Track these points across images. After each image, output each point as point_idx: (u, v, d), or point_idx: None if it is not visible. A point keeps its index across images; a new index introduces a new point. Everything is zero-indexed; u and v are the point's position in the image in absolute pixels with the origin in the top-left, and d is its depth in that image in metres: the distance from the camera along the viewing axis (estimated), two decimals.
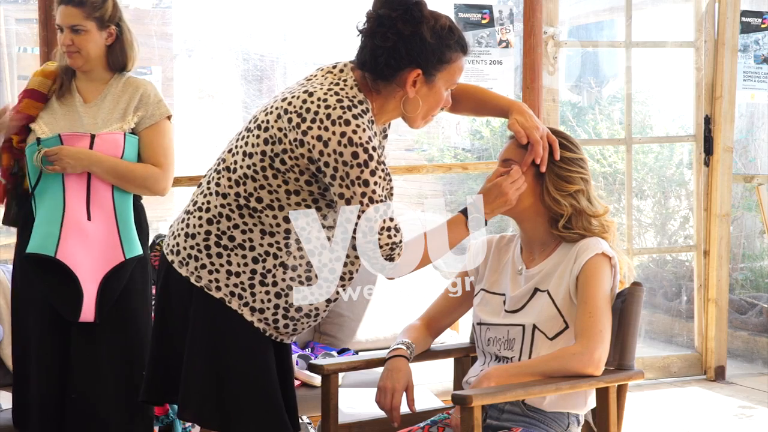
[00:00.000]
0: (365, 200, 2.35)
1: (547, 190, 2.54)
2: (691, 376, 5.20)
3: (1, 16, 5.66)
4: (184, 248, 2.48)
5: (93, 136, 3.07)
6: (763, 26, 5.18)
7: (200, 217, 2.48)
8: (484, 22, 4.68)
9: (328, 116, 2.34)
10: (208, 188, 2.50)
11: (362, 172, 2.33)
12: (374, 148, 2.35)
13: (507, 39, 4.71)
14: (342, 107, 2.36)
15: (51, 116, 3.13)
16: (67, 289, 3.06)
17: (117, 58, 3.17)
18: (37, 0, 3.99)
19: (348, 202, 2.36)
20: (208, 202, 2.48)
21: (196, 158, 6.46)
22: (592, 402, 2.55)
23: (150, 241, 3.72)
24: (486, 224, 2.52)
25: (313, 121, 2.35)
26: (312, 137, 2.34)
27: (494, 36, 4.68)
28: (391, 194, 2.51)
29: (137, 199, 3.26)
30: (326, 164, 2.35)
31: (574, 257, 2.52)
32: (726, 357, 5.21)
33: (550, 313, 2.52)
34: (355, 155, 2.32)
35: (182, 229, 2.51)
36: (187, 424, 3.65)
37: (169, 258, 2.52)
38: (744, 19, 5.12)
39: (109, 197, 3.13)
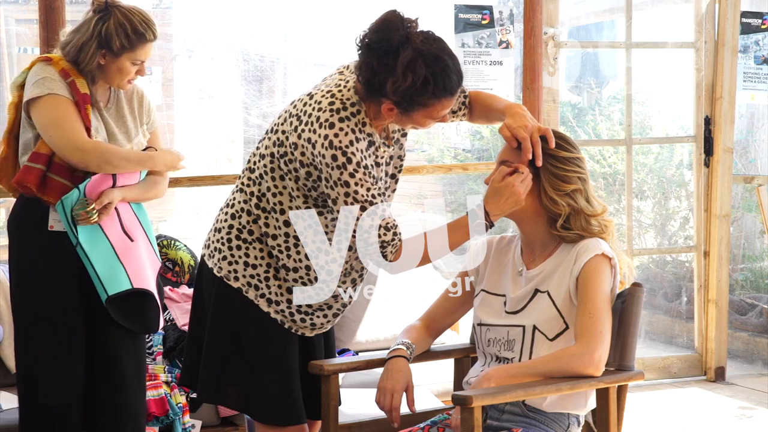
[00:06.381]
0: (349, 200, 2.43)
1: (545, 190, 2.54)
2: (691, 376, 5.20)
3: (1, 17, 5.66)
4: (213, 242, 2.66)
5: (114, 176, 3.07)
6: (763, 27, 5.18)
7: (226, 212, 2.64)
8: (484, 22, 4.68)
9: (318, 119, 2.44)
10: (236, 186, 2.66)
11: (342, 174, 2.42)
12: (354, 153, 2.41)
13: (507, 40, 4.71)
14: (331, 110, 2.44)
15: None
16: (147, 309, 3.13)
17: None
18: (37, 0, 3.99)
19: (334, 202, 2.46)
20: (234, 199, 2.64)
21: (196, 158, 6.46)
22: (592, 402, 2.55)
23: None
24: (493, 226, 2.53)
25: (306, 123, 2.45)
26: (304, 140, 2.45)
27: (494, 37, 4.68)
28: (385, 194, 2.56)
29: None
30: (316, 166, 2.46)
31: (574, 258, 2.52)
32: (726, 358, 5.20)
33: (550, 314, 2.52)
34: (334, 158, 2.41)
35: (213, 224, 2.69)
36: (188, 425, 3.65)
37: (201, 251, 2.71)
38: (744, 19, 5.12)
39: (133, 214, 3.18)
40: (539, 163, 2.52)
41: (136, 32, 3.02)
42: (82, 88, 3.05)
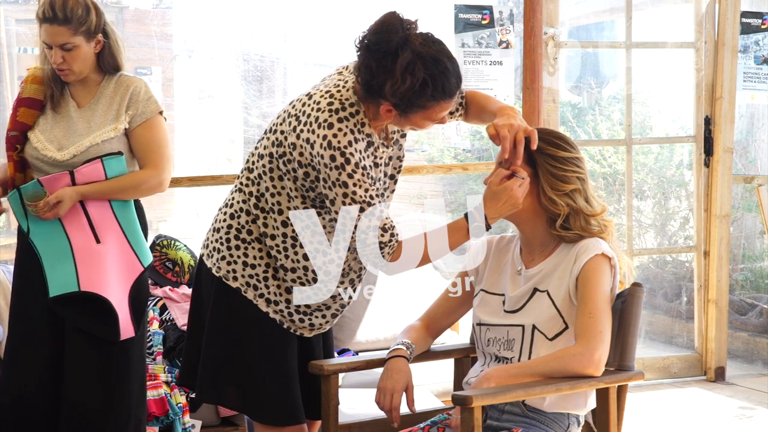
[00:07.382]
0: (347, 201, 2.43)
1: (543, 190, 2.54)
2: (691, 376, 5.20)
3: (1, 17, 5.66)
4: (211, 242, 2.66)
5: (72, 173, 3.05)
6: (763, 27, 5.18)
7: (225, 212, 2.64)
8: (484, 22, 4.68)
9: (316, 119, 2.43)
10: (235, 186, 2.66)
11: (340, 174, 2.42)
12: (352, 153, 2.41)
13: (507, 40, 4.71)
14: (330, 110, 2.44)
15: (46, 124, 3.11)
16: (102, 314, 3.04)
17: (107, 62, 3.15)
18: (37, 0, 4.00)
19: (332, 202, 2.46)
20: (233, 198, 2.64)
21: (196, 158, 6.47)
22: (592, 403, 2.55)
23: (150, 242, 3.72)
24: (489, 229, 2.53)
25: (305, 124, 2.45)
26: (303, 140, 2.45)
27: (494, 37, 4.68)
28: (383, 195, 2.56)
29: (136, 201, 3.24)
30: (314, 167, 2.46)
31: (573, 258, 2.52)
32: (726, 358, 5.20)
33: (549, 313, 2.52)
34: (332, 158, 2.41)
35: (212, 224, 2.69)
36: (188, 425, 3.65)
37: (200, 251, 2.72)
38: (744, 19, 5.12)
39: (110, 213, 3.12)
40: (517, 163, 2.50)
41: (39, 11, 3.06)
42: (25, 92, 3.15)
